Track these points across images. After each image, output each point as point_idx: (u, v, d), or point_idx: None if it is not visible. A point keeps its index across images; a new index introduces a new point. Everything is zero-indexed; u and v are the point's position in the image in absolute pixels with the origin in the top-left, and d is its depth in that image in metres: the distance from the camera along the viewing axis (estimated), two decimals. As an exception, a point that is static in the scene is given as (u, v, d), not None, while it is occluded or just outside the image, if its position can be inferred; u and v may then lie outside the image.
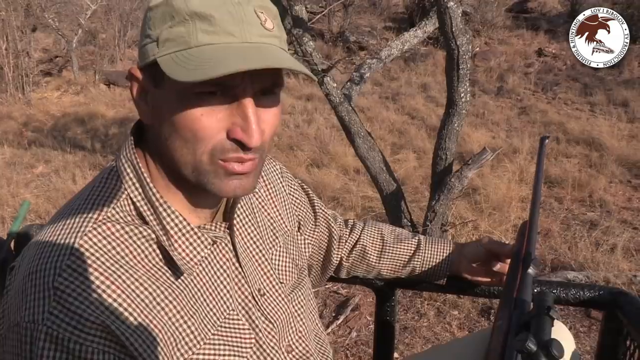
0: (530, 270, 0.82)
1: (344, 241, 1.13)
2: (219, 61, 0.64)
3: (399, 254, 1.14)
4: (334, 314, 2.82)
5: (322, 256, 1.11)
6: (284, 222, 0.96)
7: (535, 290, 1.09)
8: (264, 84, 0.70)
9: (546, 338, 0.64)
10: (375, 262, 1.15)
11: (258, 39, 0.68)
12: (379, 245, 1.15)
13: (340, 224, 1.13)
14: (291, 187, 1.02)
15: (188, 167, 0.72)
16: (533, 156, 4.82)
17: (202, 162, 0.70)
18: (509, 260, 1.04)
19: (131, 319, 0.68)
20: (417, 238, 1.15)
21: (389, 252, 1.14)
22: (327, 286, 2.99)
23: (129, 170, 0.75)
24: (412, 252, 1.14)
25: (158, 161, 0.76)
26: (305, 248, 1.03)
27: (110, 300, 0.67)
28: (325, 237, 1.09)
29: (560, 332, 1.01)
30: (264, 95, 0.71)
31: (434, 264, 1.14)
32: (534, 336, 0.64)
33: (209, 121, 0.68)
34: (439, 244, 1.15)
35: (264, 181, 0.96)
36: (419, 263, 1.14)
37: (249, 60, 0.65)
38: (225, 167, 0.71)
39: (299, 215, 1.02)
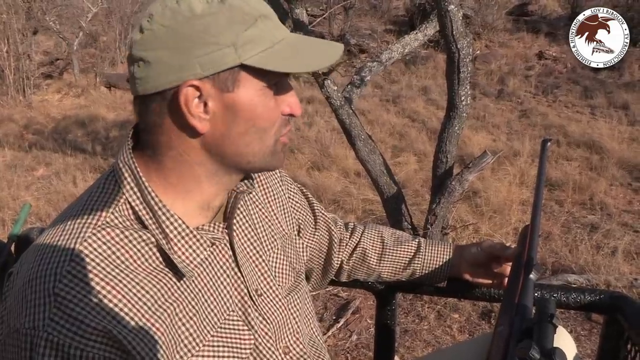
0: (532, 276, 0.81)
1: (345, 244, 1.13)
2: (311, 51, 0.77)
3: (399, 257, 1.14)
4: (334, 317, 2.82)
5: (322, 259, 1.11)
6: (281, 226, 0.96)
7: (536, 295, 1.09)
8: None
9: (549, 346, 0.64)
10: (376, 265, 1.14)
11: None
12: (379, 248, 1.14)
13: (340, 227, 1.13)
14: (290, 191, 1.02)
15: (257, 156, 0.78)
16: (534, 159, 4.81)
17: (270, 146, 0.78)
18: (509, 263, 1.03)
19: (133, 323, 0.68)
20: (417, 240, 1.15)
21: (389, 255, 1.14)
22: (327, 289, 2.99)
23: (126, 175, 0.75)
24: (412, 254, 1.14)
25: (178, 163, 0.76)
26: (303, 252, 1.03)
27: (111, 305, 0.67)
28: (326, 240, 1.09)
29: (562, 337, 1.00)
30: None
31: (434, 266, 1.14)
32: (536, 344, 0.63)
33: (278, 106, 0.77)
34: (439, 246, 1.15)
35: (262, 185, 0.96)
36: (419, 265, 1.14)
37: (327, 47, 0.79)
38: (282, 142, 0.80)
39: (298, 219, 1.02)
